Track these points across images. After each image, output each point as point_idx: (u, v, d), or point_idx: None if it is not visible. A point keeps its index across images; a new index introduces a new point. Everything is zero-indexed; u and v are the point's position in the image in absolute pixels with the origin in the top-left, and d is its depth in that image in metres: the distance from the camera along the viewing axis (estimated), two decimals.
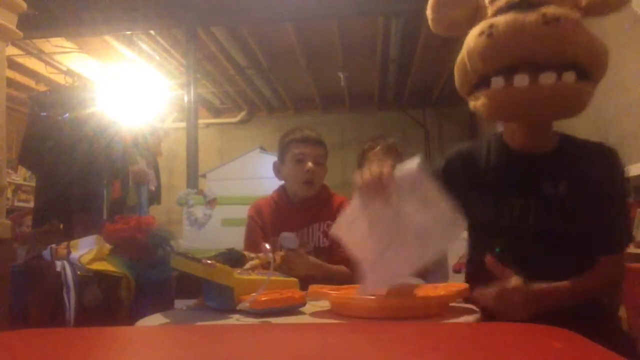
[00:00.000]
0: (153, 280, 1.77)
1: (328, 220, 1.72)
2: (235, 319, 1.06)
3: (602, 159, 1.16)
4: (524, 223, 1.14)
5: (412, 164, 0.97)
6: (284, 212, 1.78)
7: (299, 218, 1.75)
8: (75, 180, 3.39)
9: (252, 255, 1.43)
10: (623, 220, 1.15)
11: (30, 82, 5.64)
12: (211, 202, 4.32)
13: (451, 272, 1.80)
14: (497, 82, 1.03)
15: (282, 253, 1.52)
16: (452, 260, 1.67)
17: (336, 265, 1.67)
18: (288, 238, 1.55)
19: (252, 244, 1.74)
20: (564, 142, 1.19)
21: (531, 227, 1.13)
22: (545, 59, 1.00)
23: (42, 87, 5.53)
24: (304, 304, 1.18)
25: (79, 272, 1.75)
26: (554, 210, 1.12)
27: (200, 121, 5.66)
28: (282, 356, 0.44)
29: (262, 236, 1.75)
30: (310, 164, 1.70)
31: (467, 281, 1.15)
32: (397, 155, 2.30)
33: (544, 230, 1.12)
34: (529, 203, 1.14)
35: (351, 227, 1.02)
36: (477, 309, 1.04)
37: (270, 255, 1.40)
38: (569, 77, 1.02)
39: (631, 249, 2.95)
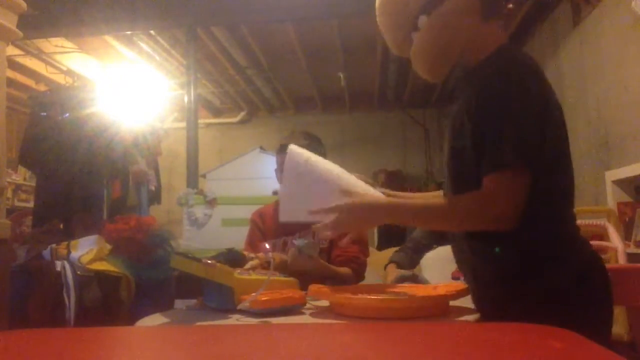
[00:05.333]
0: (153, 280, 1.77)
1: None
2: (235, 319, 1.06)
3: (489, 70, 1.01)
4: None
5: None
6: None
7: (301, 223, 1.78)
8: (75, 180, 3.39)
9: (252, 255, 1.44)
10: (509, 131, 0.93)
11: (31, 82, 5.64)
12: (211, 202, 4.32)
13: (450, 279, 1.82)
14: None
15: (289, 254, 1.54)
16: (452, 267, 1.67)
17: (340, 267, 1.70)
18: (307, 245, 1.57)
19: (251, 245, 1.77)
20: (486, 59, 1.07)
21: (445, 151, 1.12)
22: None
23: (42, 87, 5.53)
24: (304, 304, 1.19)
25: (79, 272, 1.75)
26: (449, 131, 1.08)
27: (200, 121, 5.66)
28: (282, 356, 0.44)
29: (262, 239, 1.77)
30: None
31: None
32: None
33: (447, 149, 1.09)
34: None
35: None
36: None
37: (270, 255, 1.40)
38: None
39: (631, 249, 2.95)
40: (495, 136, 0.94)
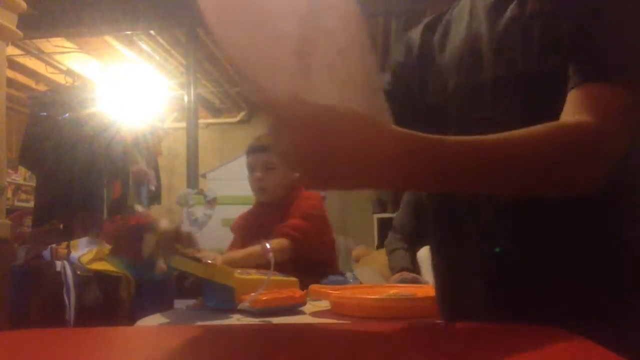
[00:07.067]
0: (153, 280, 1.78)
1: None
2: (235, 319, 1.07)
3: None
4: (475, 68, 0.74)
5: None
6: (264, 211, 1.86)
7: (276, 217, 1.79)
8: (75, 180, 3.39)
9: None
10: (623, 31, 0.61)
11: (31, 82, 5.64)
12: (211, 202, 4.32)
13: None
14: None
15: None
16: None
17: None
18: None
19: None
20: None
21: (486, 69, 0.72)
22: None
23: (42, 87, 5.53)
24: (304, 304, 1.19)
25: (79, 272, 1.76)
26: (517, 37, 0.68)
27: (200, 121, 5.65)
28: (282, 356, 0.44)
29: (247, 229, 1.84)
30: (258, 173, 1.79)
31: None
32: None
33: (505, 75, 0.69)
34: (478, 34, 0.75)
35: None
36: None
37: (270, 255, 1.40)
38: None
39: None
40: (607, 34, 0.61)
